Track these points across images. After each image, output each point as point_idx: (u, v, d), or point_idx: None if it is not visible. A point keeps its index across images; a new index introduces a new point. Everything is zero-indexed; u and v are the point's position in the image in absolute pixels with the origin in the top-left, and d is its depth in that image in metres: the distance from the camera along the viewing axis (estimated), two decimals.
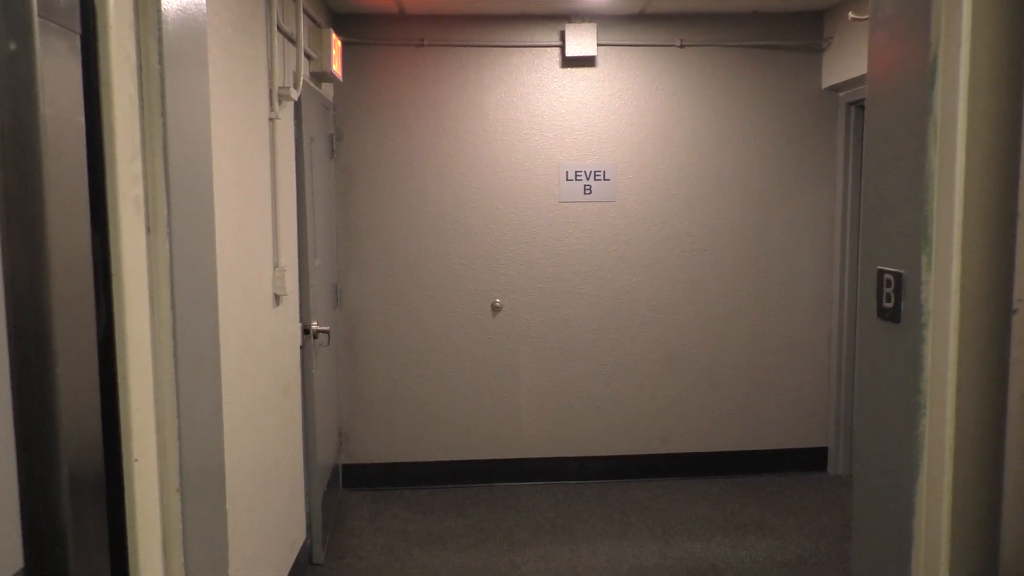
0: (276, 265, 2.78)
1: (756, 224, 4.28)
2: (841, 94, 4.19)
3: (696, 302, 4.29)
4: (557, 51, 4.14)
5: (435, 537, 3.65)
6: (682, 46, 4.16)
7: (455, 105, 4.12)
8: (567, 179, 4.20)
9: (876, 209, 1.33)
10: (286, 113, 2.93)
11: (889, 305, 1.23)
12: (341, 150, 4.10)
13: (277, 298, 2.81)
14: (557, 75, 4.16)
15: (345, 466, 4.28)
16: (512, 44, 4.13)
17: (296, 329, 3.15)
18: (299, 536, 3.20)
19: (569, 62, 4.14)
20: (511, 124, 4.15)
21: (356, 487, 4.26)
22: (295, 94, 2.91)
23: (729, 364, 4.34)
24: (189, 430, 1.07)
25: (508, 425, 4.30)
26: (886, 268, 1.25)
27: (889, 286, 1.24)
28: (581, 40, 4.07)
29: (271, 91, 2.73)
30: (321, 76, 3.54)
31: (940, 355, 1.05)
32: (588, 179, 4.21)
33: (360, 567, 3.34)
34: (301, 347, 3.24)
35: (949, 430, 1.01)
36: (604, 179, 4.22)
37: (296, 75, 2.98)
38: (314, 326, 3.26)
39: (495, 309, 4.24)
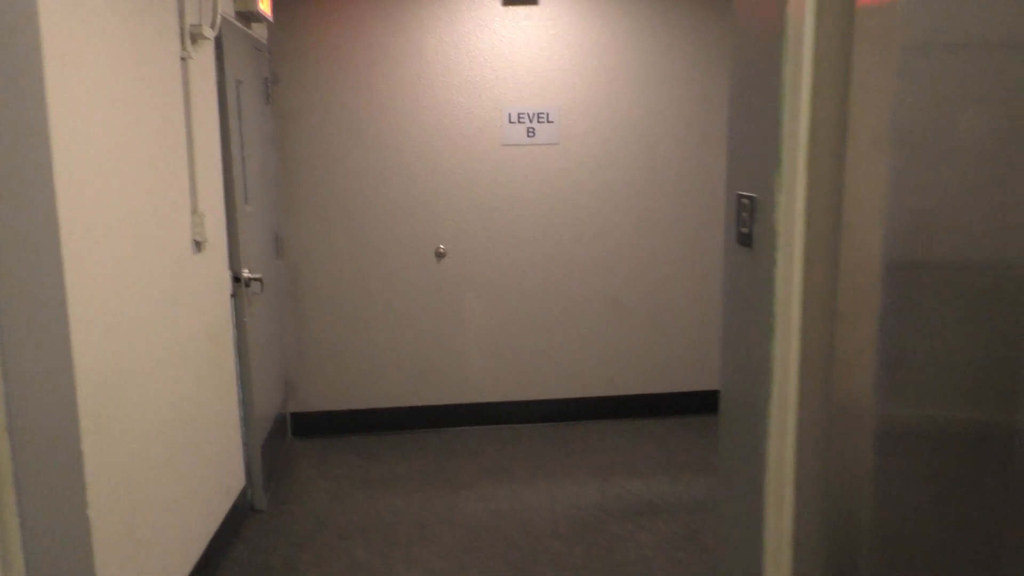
0: (194, 210, 2.72)
1: (703, 167, 4.25)
2: None
3: (643, 246, 4.28)
4: None
5: (379, 482, 3.67)
6: None
7: (395, 47, 4.02)
8: (510, 121, 4.14)
9: (737, 133, 1.31)
10: (203, 53, 2.84)
11: (745, 230, 1.21)
12: (278, 95, 4.00)
13: (198, 244, 2.75)
14: (499, 14, 4.07)
15: (294, 415, 4.28)
16: None
17: (224, 277, 3.11)
18: (236, 483, 3.20)
19: (511, 0, 4.05)
20: (452, 65, 4.06)
21: (305, 435, 4.27)
22: (210, 32, 2.82)
23: (675, 307, 4.35)
24: (16, 366, 1.04)
25: (455, 371, 4.30)
26: (743, 193, 1.23)
27: (745, 211, 1.22)
28: None
29: (182, 29, 2.64)
30: (249, 16, 3.44)
31: (787, 278, 1.03)
32: (531, 121, 4.15)
33: (302, 512, 3.35)
34: (232, 295, 3.20)
35: (794, 353, 0.99)
36: (548, 121, 4.16)
37: (213, 13, 2.88)
38: (245, 274, 3.22)
39: (439, 255, 4.20)
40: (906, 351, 0.79)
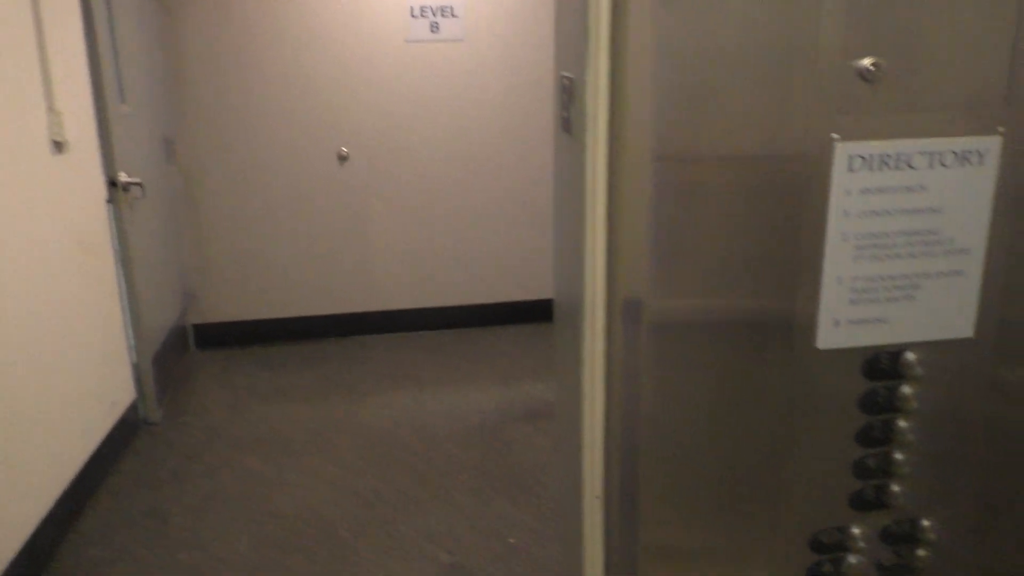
0: (51, 109, 2.52)
1: None
2: None
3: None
4: None
5: (281, 392, 3.61)
6: None
7: None
8: (413, 15, 3.93)
9: (562, 6, 1.21)
10: None
11: (566, 114, 1.13)
12: None
13: (57, 145, 2.57)
14: None
15: (196, 326, 4.16)
16: None
17: (97, 181, 2.92)
18: (125, 396, 3.11)
19: None
20: None
21: (209, 347, 4.16)
22: None
23: None
24: None
25: (362, 278, 4.21)
26: (565, 73, 1.14)
27: (566, 92, 1.13)
28: None
29: None
30: None
31: (594, 166, 0.96)
32: (435, 16, 3.95)
33: (198, 424, 3.29)
34: (109, 201, 3.03)
35: (600, 249, 0.92)
36: (452, 15, 3.96)
37: None
38: (122, 178, 3.04)
39: (342, 158, 4.05)
40: (679, 242, 0.72)
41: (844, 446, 0.81)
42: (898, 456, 0.81)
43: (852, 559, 0.84)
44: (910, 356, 0.78)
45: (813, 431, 0.80)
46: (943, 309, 0.77)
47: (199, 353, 4.12)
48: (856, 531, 0.83)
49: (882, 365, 0.79)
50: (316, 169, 4.03)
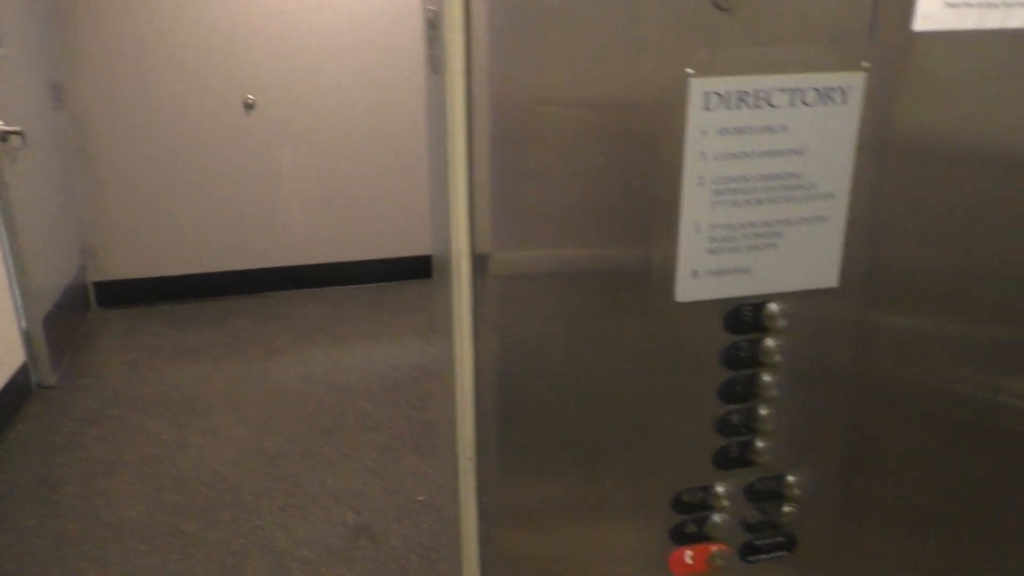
0: None
1: None
2: None
3: None
4: None
5: (188, 351, 3.47)
6: None
7: None
8: None
9: None
10: None
11: (432, 52, 1.04)
12: None
13: None
14: None
15: (98, 284, 3.96)
16: None
17: None
18: (13, 359, 2.94)
19: None
20: None
21: (112, 305, 3.98)
22: None
23: None
24: None
25: (274, 232, 4.07)
26: (430, 6, 1.05)
27: (431, 28, 1.05)
28: None
29: None
30: None
31: (454, 109, 0.87)
32: None
33: (97, 386, 3.14)
34: None
35: (462, 197, 0.85)
36: None
37: None
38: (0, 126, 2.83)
39: (248, 107, 3.86)
40: (522, 193, 0.66)
41: (707, 402, 0.77)
42: (763, 411, 0.78)
43: (716, 518, 0.81)
44: (773, 308, 0.74)
45: (674, 387, 0.76)
46: (806, 258, 0.73)
47: (102, 312, 3.93)
48: (720, 489, 0.80)
49: (744, 318, 0.74)
50: (220, 117, 3.84)
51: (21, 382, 2.97)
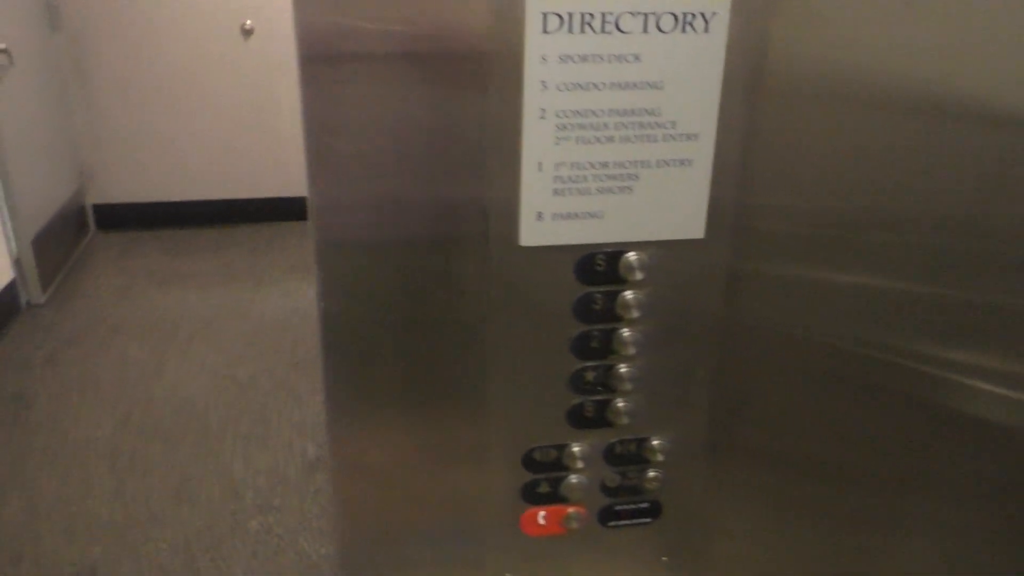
0: None
1: None
2: None
3: None
4: None
5: (180, 277, 3.48)
6: None
7: None
8: None
9: None
10: None
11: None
12: None
13: None
14: None
15: (97, 206, 3.97)
16: None
17: None
18: (1, 277, 2.95)
19: None
20: None
21: (111, 229, 3.98)
22: None
23: None
24: None
25: (272, 161, 4.02)
26: None
27: None
28: None
29: None
30: None
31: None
32: None
33: (84, 308, 3.16)
34: None
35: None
36: None
37: None
38: None
39: (246, 32, 3.78)
40: (334, 140, 0.60)
41: (559, 357, 0.71)
42: (621, 370, 0.72)
43: (573, 479, 0.76)
44: (631, 258, 0.68)
45: (522, 338, 0.70)
46: (668, 205, 0.67)
47: (100, 235, 3.95)
48: (576, 450, 0.75)
49: (598, 267, 0.68)
50: (219, 43, 3.77)
51: (9, 300, 2.99)
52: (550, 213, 0.65)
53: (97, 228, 3.92)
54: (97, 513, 1.93)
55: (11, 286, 2.98)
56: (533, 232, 0.66)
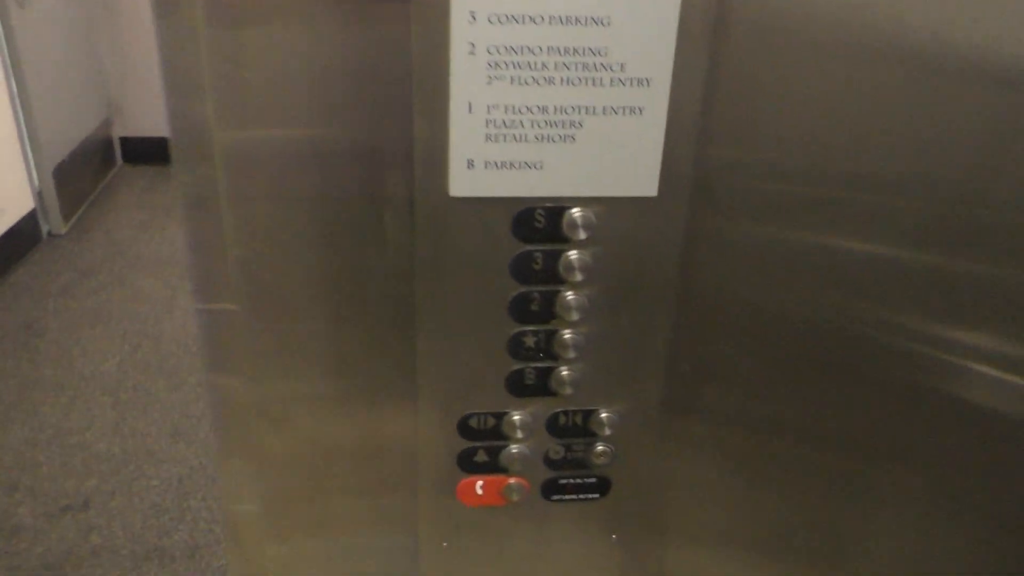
0: None
1: None
2: None
3: None
4: None
5: None
6: None
7: None
8: None
9: None
10: None
11: None
12: None
13: None
14: None
15: (124, 139, 3.97)
16: None
17: None
18: (20, 206, 2.97)
19: None
20: None
21: (138, 162, 3.99)
22: None
23: None
24: None
25: None
26: None
27: None
28: None
29: None
30: None
31: None
32: None
33: (105, 240, 3.17)
34: None
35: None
36: None
37: None
38: None
39: None
40: (248, 59, 0.54)
41: (496, 319, 0.65)
42: (565, 336, 0.66)
43: (513, 449, 0.71)
44: (574, 215, 0.61)
45: (454, 297, 0.64)
46: (616, 158, 0.60)
47: (127, 168, 3.95)
48: (516, 418, 0.69)
49: (537, 224, 0.62)
50: None
51: (29, 229, 3.01)
52: (482, 161, 0.59)
53: (124, 161, 3.93)
54: (95, 446, 1.94)
55: (32, 215, 3.00)
56: (463, 182, 0.60)
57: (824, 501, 0.75)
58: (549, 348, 0.67)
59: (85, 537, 1.73)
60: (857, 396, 0.69)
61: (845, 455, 0.72)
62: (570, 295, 0.64)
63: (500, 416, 0.70)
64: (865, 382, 0.69)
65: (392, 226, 0.62)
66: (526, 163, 0.59)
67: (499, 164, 0.59)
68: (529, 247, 0.63)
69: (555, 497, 0.74)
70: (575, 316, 0.65)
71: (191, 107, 0.57)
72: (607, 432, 0.71)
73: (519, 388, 0.68)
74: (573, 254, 0.63)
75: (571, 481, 0.74)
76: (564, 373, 0.68)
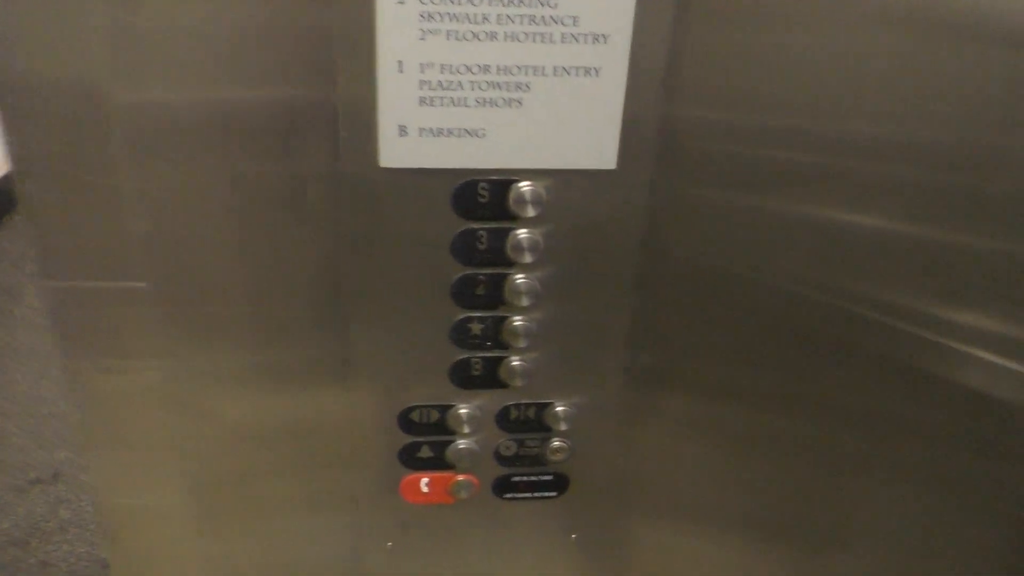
0: None
1: None
2: None
3: None
4: None
5: None
6: None
7: None
8: None
9: None
10: None
11: None
12: None
13: None
14: None
15: None
16: None
17: None
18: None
19: None
20: None
21: None
22: None
23: None
24: None
25: None
26: None
27: None
28: None
29: None
30: None
31: None
32: None
33: None
34: None
35: None
36: None
37: None
38: None
39: None
40: (132, 23, 0.46)
41: (437, 305, 0.59)
42: (515, 323, 0.60)
43: (461, 444, 0.65)
44: (523, 189, 0.54)
45: (389, 281, 0.58)
46: (569, 124, 0.53)
47: None
48: (463, 412, 0.63)
49: (480, 199, 0.55)
50: None
51: (10, 189, 2.93)
52: (416, 127, 0.52)
53: None
54: (67, 417, 1.89)
55: (8, 177, 2.91)
56: (395, 151, 0.53)
57: (803, 478, 0.69)
58: (497, 336, 0.60)
59: (54, 511, 1.68)
60: (834, 368, 0.62)
61: (823, 428, 0.66)
62: (520, 278, 0.58)
63: (445, 409, 0.64)
64: (844, 354, 0.62)
65: (317, 200, 0.55)
66: (466, 130, 0.52)
67: (435, 131, 0.52)
68: (472, 225, 0.56)
69: (508, 496, 0.68)
70: (525, 301, 0.58)
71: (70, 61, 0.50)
72: (563, 427, 0.65)
73: (465, 379, 0.62)
74: (522, 233, 0.56)
75: (525, 479, 0.68)
76: (515, 364, 0.61)
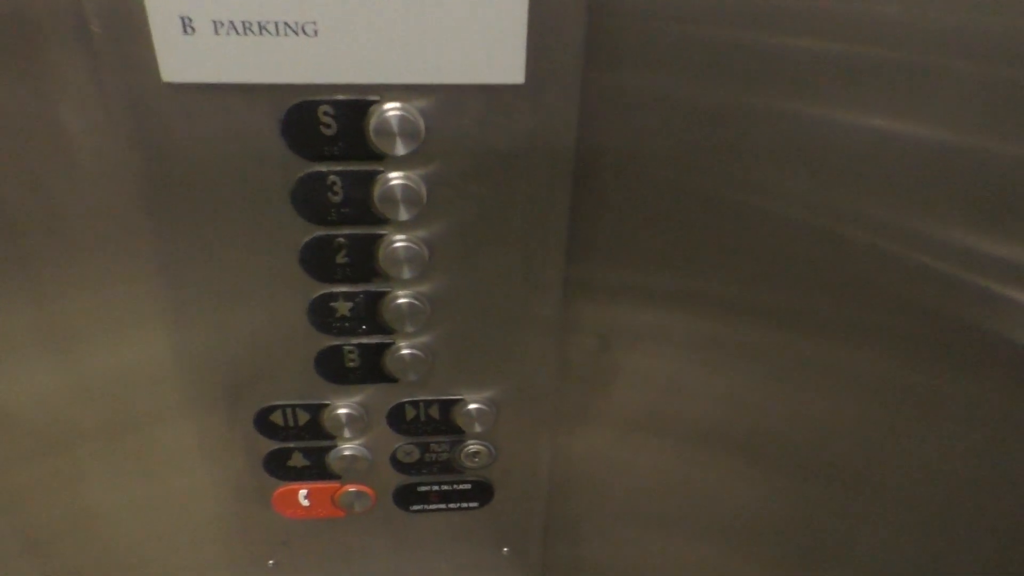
0: None
1: None
2: None
3: None
4: None
5: None
6: None
7: None
8: None
9: None
10: None
11: None
12: None
13: None
14: None
15: None
16: None
17: None
18: None
19: None
20: None
21: None
22: None
23: None
24: None
25: None
26: None
27: None
28: None
29: None
30: None
31: None
32: None
33: None
34: None
35: None
36: None
37: None
38: None
39: None
40: None
41: (287, 278, 0.42)
42: (399, 300, 0.43)
43: (345, 450, 0.50)
44: (388, 115, 0.37)
45: (210, 243, 0.41)
46: (451, 16, 0.34)
47: None
48: (340, 412, 0.47)
49: (326, 129, 0.37)
50: None
51: None
52: (208, 21, 0.34)
53: None
54: None
55: None
56: (180, 57, 0.35)
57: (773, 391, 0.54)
58: (374, 318, 0.44)
59: None
60: (792, 275, 0.46)
61: (795, 336, 0.51)
62: (398, 241, 0.41)
63: (316, 409, 0.48)
64: (805, 264, 0.46)
65: (81, 137, 0.37)
66: (287, 24, 0.34)
67: (240, 27, 0.34)
68: (319, 167, 0.38)
69: (416, 508, 0.53)
70: (408, 272, 0.41)
71: None
72: (478, 428, 0.49)
73: (337, 373, 0.46)
74: (394, 178, 0.39)
75: (436, 488, 0.52)
76: (404, 353, 0.45)
